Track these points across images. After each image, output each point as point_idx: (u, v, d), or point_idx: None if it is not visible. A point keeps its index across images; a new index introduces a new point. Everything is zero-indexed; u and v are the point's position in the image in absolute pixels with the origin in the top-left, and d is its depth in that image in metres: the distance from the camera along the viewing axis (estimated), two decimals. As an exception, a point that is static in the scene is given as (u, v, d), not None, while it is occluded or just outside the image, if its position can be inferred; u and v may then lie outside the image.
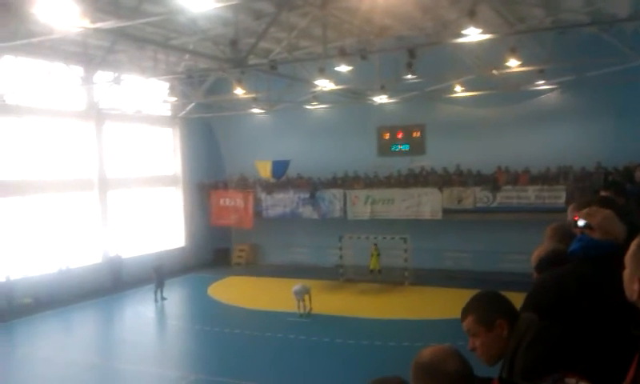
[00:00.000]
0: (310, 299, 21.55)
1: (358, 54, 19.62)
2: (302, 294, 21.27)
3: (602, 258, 2.54)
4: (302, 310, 21.23)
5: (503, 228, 26.26)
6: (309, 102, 29.41)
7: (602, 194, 3.77)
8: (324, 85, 22.92)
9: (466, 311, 2.72)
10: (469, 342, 2.67)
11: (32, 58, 24.29)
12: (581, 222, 2.81)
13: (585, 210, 2.83)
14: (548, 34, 20.63)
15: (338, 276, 27.56)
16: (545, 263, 3.14)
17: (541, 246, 3.53)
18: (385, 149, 30.62)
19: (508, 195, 26.21)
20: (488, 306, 2.69)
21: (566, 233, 3.26)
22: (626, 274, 2.11)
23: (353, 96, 28.20)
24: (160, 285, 25.07)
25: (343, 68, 22.63)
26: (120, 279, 27.22)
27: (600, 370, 2.23)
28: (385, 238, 27.05)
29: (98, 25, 14.87)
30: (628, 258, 2.11)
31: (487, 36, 17.48)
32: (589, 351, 2.33)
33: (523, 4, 19.77)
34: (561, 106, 26.69)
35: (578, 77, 23.32)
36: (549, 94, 26.56)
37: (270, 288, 27.34)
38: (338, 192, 29.58)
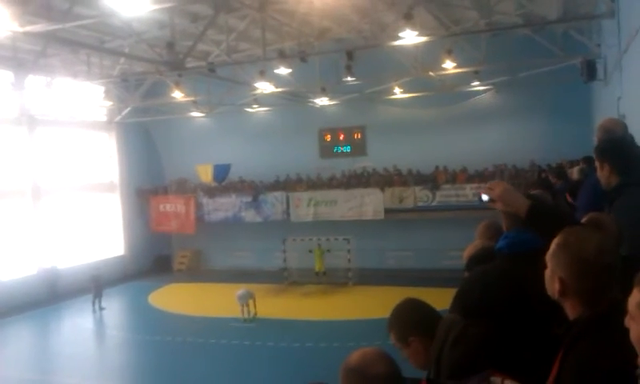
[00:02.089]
0: (255, 304, 21.37)
1: (298, 57, 19.63)
2: (245, 299, 21.09)
3: (528, 254, 2.55)
4: (245, 315, 21.02)
5: (443, 226, 26.80)
6: (249, 105, 29.23)
7: (532, 192, 3.86)
8: (264, 87, 22.82)
9: (388, 328, 2.94)
10: None
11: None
12: (484, 197, 2.87)
13: (486, 185, 2.89)
14: (482, 36, 21.18)
15: (283, 279, 27.48)
16: (473, 262, 3.16)
17: (472, 243, 3.58)
18: (327, 151, 30.77)
19: (447, 194, 26.81)
20: (402, 324, 2.90)
21: (497, 230, 3.28)
22: (547, 272, 2.16)
23: (294, 98, 28.20)
24: (98, 295, 24.35)
25: (283, 70, 22.59)
26: (56, 290, 26.26)
27: (525, 369, 2.24)
28: (328, 239, 27.16)
29: (28, 28, 14.33)
30: (549, 257, 2.15)
31: (423, 38, 17.83)
32: (513, 350, 2.33)
33: (458, 7, 20.23)
34: (496, 106, 27.51)
35: (512, 77, 24.08)
36: (484, 95, 27.32)
37: (213, 294, 26.99)
38: (280, 195, 29.51)
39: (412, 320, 2.91)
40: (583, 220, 3.35)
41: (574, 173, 7.75)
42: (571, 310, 2.11)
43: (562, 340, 2.11)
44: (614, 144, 3.94)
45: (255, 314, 21.33)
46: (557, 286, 2.10)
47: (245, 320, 20.96)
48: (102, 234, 31.12)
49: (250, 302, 21.24)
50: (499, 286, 2.54)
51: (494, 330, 2.39)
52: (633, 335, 1.72)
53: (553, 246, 2.15)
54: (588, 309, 2.05)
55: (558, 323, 2.15)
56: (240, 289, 21.57)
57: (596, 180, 3.96)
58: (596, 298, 2.05)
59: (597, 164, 3.79)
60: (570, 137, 22.74)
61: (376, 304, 23.36)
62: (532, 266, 2.29)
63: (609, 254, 2.09)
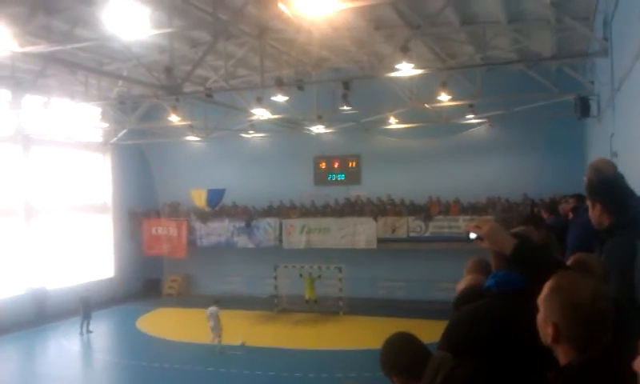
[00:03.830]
0: (220, 326, 20.68)
1: (295, 85, 19.80)
2: (213, 316, 20.59)
3: (516, 294, 2.55)
4: (214, 341, 20.50)
5: (435, 257, 26.79)
6: (245, 131, 29.33)
7: (517, 230, 3.88)
8: (261, 114, 22.95)
9: (379, 362, 3.04)
10: None
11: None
12: (472, 235, 2.88)
13: (473, 223, 2.91)
14: (478, 70, 21.45)
15: (273, 306, 27.29)
16: (462, 300, 3.15)
17: (463, 278, 3.58)
18: (321, 178, 30.86)
19: (440, 225, 26.84)
20: (386, 364, 3.02)
21: (487, 266, 3.26)
22: (540, 317, 2.15)
23: (290, 125, 28.34)
24: (87, 317, 24.09)
25: (280, 98, 22.74)
26: (44, 311, 25.97)
27: None
28: (320, 267, 27.05)
29: (28, 49, 14.39)
30: (541, 301, 2.14)
31: (419, 71, 18.04)
32: None
33: (454, 41, 20.53)
34: (490, 139, 27.72)
35: (506, 111, 24.32)
36: (478, 128, 27.54)
37: (202, 320, 26.69)
38: (273, 221, 29.47)
39: (397, 361, 2.98)
40: (569, 261, 3.37)
41: (565, 209, 7.79)
42: (563, 355, 2.09)
43: None
44: (607, 184, 3.96)
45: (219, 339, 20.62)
46: (550, 331, 2.09)
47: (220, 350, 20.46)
48: (92, 256, 30.90)
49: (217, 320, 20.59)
50: (487, 324, 2.54)
51: (481, 370, 2.38)
52: None
53: (545, 290, 2.14)
54: (580, 354, 2.04)
55: (549, 367, 2.14)
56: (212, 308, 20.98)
57: (586, 219, 3.98)
58: (589, 344, 2.04)
59: (588, 203, 3.80)
60: (564, 172, 22.85)
61: (366, 334, 23.23)
62: (521, 305, 2.29)
63: (603, 300, 2.08)
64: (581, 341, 2.04)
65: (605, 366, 1.97)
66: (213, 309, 20.80)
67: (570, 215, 7.19)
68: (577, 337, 2.04)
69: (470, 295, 3.06)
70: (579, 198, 6.69)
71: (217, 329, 20.53)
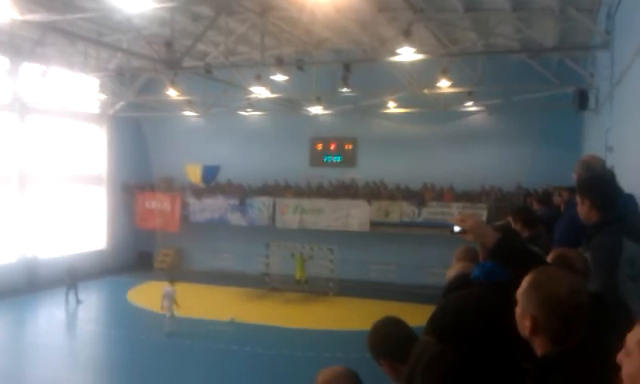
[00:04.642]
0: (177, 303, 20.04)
1: (296, 65, 19.74)
2: (169, 296, 19.96)
3: (503, 285, 2.59)
4: (164, 312, 19.94)
5: (427, 242, 26.92)
6: (243, 109, 29.26)
7: (498, 223, 3.93)
8: (260, 92, 22.89)
9: (367, 345, 3.14)
10: None
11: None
12: (456, 228, 3.00)
13: (457, 216, 3.03)
14: (479, 57, 21.42)
15: (264, 284, 27.44)
16: (450, 288, 3.22)
17: (452, 266, 3.65)
18: (317, 159, 30.88)
19: (433, 211, 26.97)
20: (373, 347, 3.12)
21: (476, 255, 3.32)
22: (518, 310, 2.22)
23: (288, 105, 28.29)
24: (73, 287, 24.14)
25: (279, 77, 22.68)
26: (35, 279, 26.02)
27: None
28: (312, 247, 27.18)
29: (28, 17, 14.31)
30: (519, 295, 2.21)
31: (420, 56, 18.02)
32: (482, 378, 2.40)
33: (457, 27, 20.46)
34: (487, 128, 27.76)
35: (505, 101, 24.33)
36: (476, 115, 27.55)
37: (193, 294, 26.77)
38: (267, 200, 29.53)
39: (383, 345, 3.08)
40: (550, 255, 3.43)
41: (558, 201, 7.84)
42: (540, 347, 2.16)
43: (529, 375, 2.16)
44: (596, 181, 4.01)
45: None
46: (528, 323, 2.15)
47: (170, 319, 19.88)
48: (85, 227, 30.92)
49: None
50: (473, 312, 2.59)
51: (465, 356, 2.45)
52: (625, 371, 1.74)
53: (524, 284, 2.20)
54: (557, 347, 2.10)
55: (526, 358, 2.21)
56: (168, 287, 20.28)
57: (574, 213, 4.04)
58: (566, 336, 2.10)
59: (577, 199, 3.86)
60: (558, 163, 22.75)
61: (356, 316, 23.43)
62: (506, 297, 2.34)
63: (580, 294, 2.14)
64: (557, 333, 2.10)
65: (580, 358, 2.03)
66: (169, 289, 20.00)
67: (563, 207, 7.26)
68: (553, 330, 2.11)
69: (459, 283, 3.13)
70: (572, 191, 6.76)
71: (171, 308, 19.78)
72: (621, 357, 1.77)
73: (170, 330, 19.66)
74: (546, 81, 21.44)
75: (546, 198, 9.32)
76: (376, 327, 3.17)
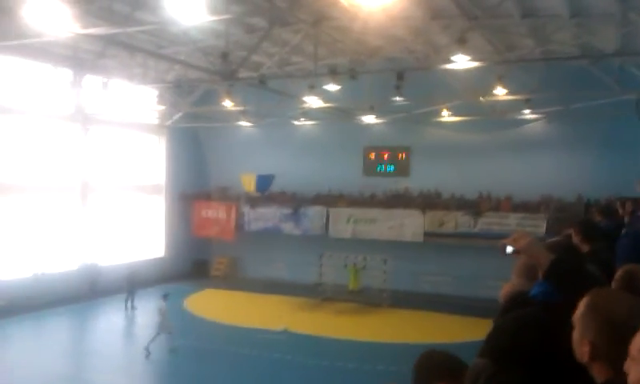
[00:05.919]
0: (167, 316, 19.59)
1: (348, 74, 19.74)
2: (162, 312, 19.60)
3: (563, 305, 2.46)
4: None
5: (483, 254, 26.31)
6: (297, 118, 29.45)
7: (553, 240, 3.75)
8: (313, 102, 22.99)
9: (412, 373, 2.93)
10: None
11: (21, 59, 24.03)
12: (509, 249, 2.88)
13: (511, 237, 2.90)
14: (536, 63, 20.90)
15: (317, 294, 27.43)
16: (507, 307, 3.09)
17: (508, 283, 3.49)
18: (370, 169, 30.76)
19: (489, 221, 26.34)
20: (424, 374, 2.90)
21: (536, 272, 3.21)
22: (576, 334, 2.09)
23: (341, 114, 28.31)
24: (131, 293, 24.74)
25: (332, 86, 22.71)
26: (96, 286, 26.84)
27: None
28: (365, 258, 27.01)
29: (89, 31, 14.82)
30: (577, 319, 2.09)
31: (475, 64, 17.69)
32: None
33: (513, 34, 20.04)
34: (546, 136, 27.00)
35: (565, 108, 23.60)
36: (534, 123, 26.87)
37: (247, 303, 27.16)
38: (320, 209, 29.55)
39: (438, 368, 2.90)
40: (618, 273, 3.27)
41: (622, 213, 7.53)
42: (600, 374, 2.02)
43: None
44: None
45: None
46: (586, 349, 2.03)
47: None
48: (144, 235, 31.73)
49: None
50: (531, 333, 2.48)
51: (522, 379, 2.33)
52: (632, 379, 1.67)
53: (581, 307, 2.09)
54: (618, 374, 1.95)
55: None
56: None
57: (638, 229, 3.85)
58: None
59: None
60: (621, 173, 22.16)
61: (410, 328, 23.18)
62: (565, 318, 2.23)
63: None
64: (618, 360, 1.94)
65: None
66: (163, 305, 19.63)
67: (627, 219, 6.96)
68: (614, 356, 1.96)
69: (516, 302, 2.99)
70: (636, 202, 6.47)
71: (164, 323, 19.29)
72: (628, 365, 1.70)
73: (172, 345, 19.03)
74: (607, 87, 20.69)
75: (608, 209, 8.98)
76: (423, 356, 3.02)
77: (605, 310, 2.02)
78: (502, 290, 3.32)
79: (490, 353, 2.55)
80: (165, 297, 19.94)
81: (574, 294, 2.18)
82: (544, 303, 2.64)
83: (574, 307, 2.14)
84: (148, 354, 18.49)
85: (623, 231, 5.14)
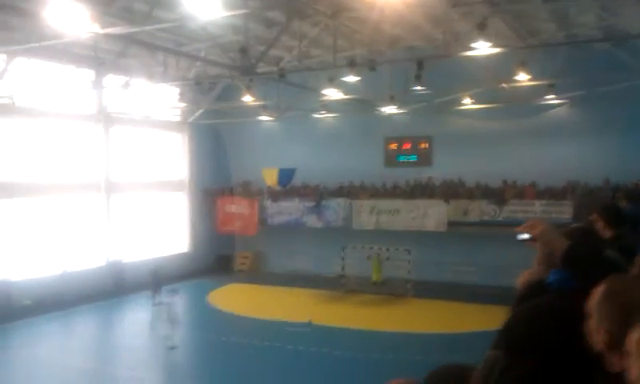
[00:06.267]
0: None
1: (368, 66, 19.62)
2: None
3: (580, 293, 2.36)
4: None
5: (508, 242, 25.92)
6: (317, 111, 29.41)
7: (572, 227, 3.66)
8: (333, 94, 22.92)
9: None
10: None
11: (43, 61, 24.35)
12: (524, 235, 2.82)
13: (525, 224, 2.84)
14: (559, 48, 20.56)
15: (340, 286, 27.41)
16: (523, 296, 2.95)
17: (528, 270, 3.39)
18: (391, 159, 30.61)
19: (514, 209, 26.00)
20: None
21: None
22: (592, 323, 2.02)
23: (361, 106, 28.19)
24: (157, 289, 24.98)
25: (352, 78, 22.62)
26: (122, 283, 27.17)
27: None
28: (388, 249, 26.91)
29: (108, 30, 14.94)
30: (593, 307, 2.01)
31: (497, 50, 17.44)
32: None
33: (535, 18, 19.73)
34: (570, 121, 26.55)
35: (589, 92, 23.18)
36: (558, 109, 26.44)
37: (271, 297, 27.26)
38: (343, 201, 29.51)
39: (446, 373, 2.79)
40: (638, 258, 3.16)
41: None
42: (616, 363, 1.93)
43: None
44: None
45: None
46: (602, 338, 1.96)
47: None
48: (168, 231, 32.02)
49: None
50: (546, 322, 2.39)
51: (537, 369, 2.25)
52: (633, 376, 1.62)
53: (596, 295, 2.01)
54: None
55: (600, 375, 2.00)
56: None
57: None
58: None
59: None
60: (650, 156, 21.74)
61: (435, 318, 23.06)
62: (583, 304, 2.14)
63: None
64: None
65: None
66: (169, 301, 19.79)
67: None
68: None
69: (532, 291, 2.89)
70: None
71: (171, 320, 19.32)
72: (628, 362, 1.66)
73: (172, 343, 18.82)
74: (633, 69, 20.26)
75: (635, 193, 8.79)
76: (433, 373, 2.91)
77: (622, 297, 1.95)
78: (520, 278, 3.22)
79: (505, 343, 2.47)
80: (173, 292, 20.15)
81: (590, 281, 2.10)
82: (560, 291, 2.56)
83: (589, 295, 2.07)
84: (172, 347, 18.75)
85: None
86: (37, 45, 17.77)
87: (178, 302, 20.22)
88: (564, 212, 24.31)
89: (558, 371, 2.22)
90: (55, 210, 25.99)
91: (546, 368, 2.23)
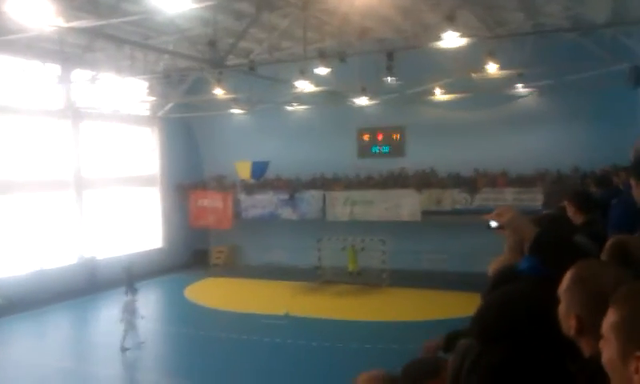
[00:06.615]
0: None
1: (338, 57, 19.60)
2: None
3: (551, 279, 2.37)
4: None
5: (480, 230, 26.18)
6: (289, 103, 29.32)
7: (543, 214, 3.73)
8: (304, 86, 22.86)
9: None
10: None
11: (7, 56, 23.84)
12: (493, 223, 2.84)
13: (494, 212, 2.86)
14: (527, 38, 20.78)
15: (316, 277, 27.48)
16: (494, 285, 2.94)
17: (500, 257, 3.41)
18: (365, 151, 30.71)
19: (486, 197, 26.36)
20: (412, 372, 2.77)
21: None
22: (562, 308, 2.04)
23: (333, 98, 28.18)
24: (130, 286, 24.70)
25: (323, 70, 22.56)
26: (95, 280, 26.81)
27: None
28: (363, 239, 27.05)
29: (73, 24, 14.65)
30: (562, 292, 2.03)
31: (466, 40, 17.57)
32: (527, 381, 2.21)
33: (503, 8, 19.91)
34: (539, 110, 26.96)
35: (557, 81, 23.53)
36: (527, 98, 26.80)
37: (247, 290, 27.22)
38: (317, 193, 29.54)
39: (415, 377, 2.81)
40: (608, 242, 3.21)
41: (617, 183, 7.50)
42: (588, 347, 1.97)
43: (576, 377, 1.98)
44: None
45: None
46: (572, 323, 1.98)
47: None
48: (141, 227, 31.68)
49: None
50: (517, 310, 2.39)
51: (509, 357, 2.27)
52: (605, 358, 1.63)
53: (565, 281, 2.03)
54: None
55: (572, 360, 2.03)
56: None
57: (630, 197, 3.82)
58: None
59: (632, 182, 3.65)
60: (616, 143, 22.05)
61: (411, 306, 23.25)
62: (553, 291, 2.16)
63: None
64: None
65: None
66: (129, 299, 19.27)
67: (622, 188, 6.93)
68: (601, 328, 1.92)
69: (504, 278, 2.90)
70: (628, 171, 6.41)
71: (131, 320, 18.71)
72: (601, 344, 1.66)
73: (126, 344, 18.21)
74: (599, 58, 20.60)
75: (603, 179, 8.94)
76: (406, 368, 2.92)
77: (590, 282, 1.97)
78: (492, 265, 3.23)
79: (477, 332, 2.48)
80: (134, 291, 19.65)
81: (560, 267, 2.13)
82: (530, 278, 2.57)
83: (560, 281, 2.09)
84: (125, 350, 18.14)
85: (614, 201, 5.10)
86: (1, 39, 17.38)
87: (139, 300, 19.74)
88: (535, 199, 24.70)
89: (530, 358, 2.24)
90: (26, 208, 25.51)
91: (517, 355, 2.25)
